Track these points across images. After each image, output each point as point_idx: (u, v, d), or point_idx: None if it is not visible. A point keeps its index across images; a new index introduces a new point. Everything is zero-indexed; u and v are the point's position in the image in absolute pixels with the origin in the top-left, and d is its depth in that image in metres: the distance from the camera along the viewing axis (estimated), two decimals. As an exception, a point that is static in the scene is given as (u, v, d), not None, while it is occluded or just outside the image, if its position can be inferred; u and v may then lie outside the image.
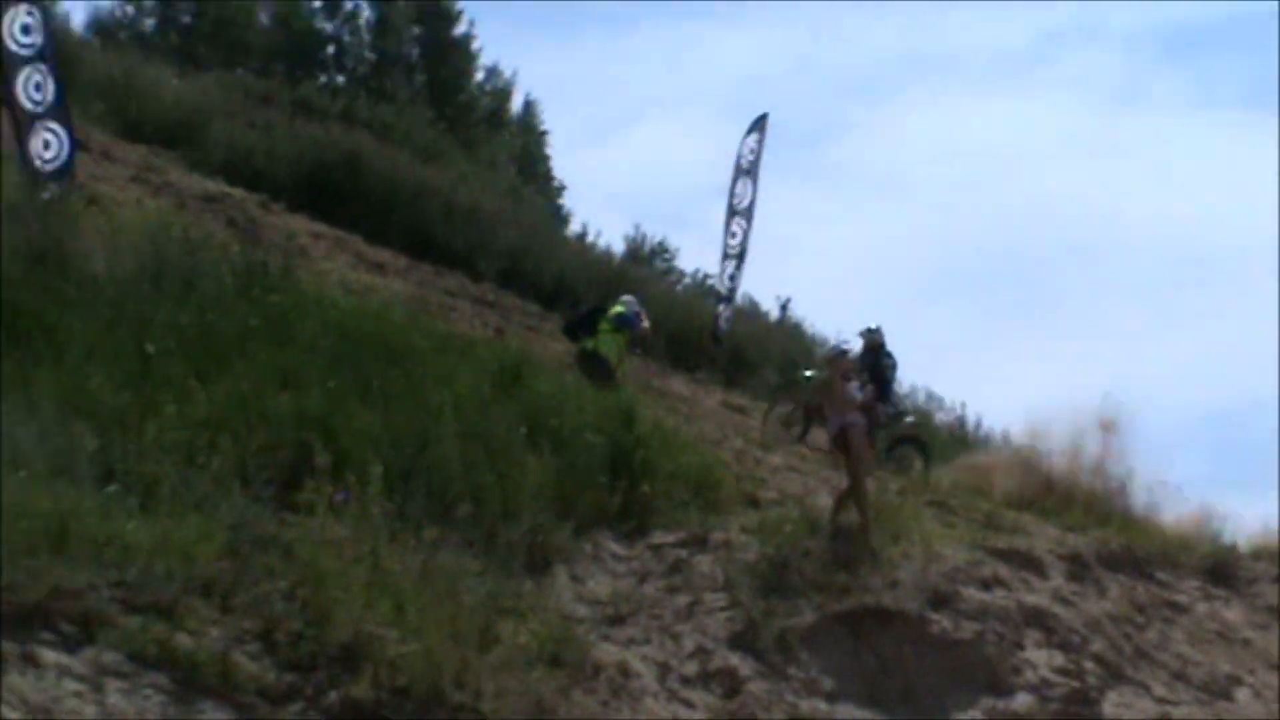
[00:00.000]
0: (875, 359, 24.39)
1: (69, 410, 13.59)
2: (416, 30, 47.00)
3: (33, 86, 19.11)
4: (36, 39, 19.16)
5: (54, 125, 19.31)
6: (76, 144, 20.13)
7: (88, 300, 16.00)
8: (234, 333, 16.21)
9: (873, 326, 24.84)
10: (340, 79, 45.86)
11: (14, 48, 18.96)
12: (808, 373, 24.74)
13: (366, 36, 46.79)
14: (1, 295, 15.29)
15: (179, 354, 15.35)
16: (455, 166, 36.93)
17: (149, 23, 45.39)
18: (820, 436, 21.66)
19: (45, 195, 18.52)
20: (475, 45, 47.99)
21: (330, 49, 46.77)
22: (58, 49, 20.25)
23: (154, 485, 12.91)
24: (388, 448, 14.87)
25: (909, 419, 25.18)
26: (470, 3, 72.29)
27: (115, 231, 18.86)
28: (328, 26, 46.81)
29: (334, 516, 13.16)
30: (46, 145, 19.17)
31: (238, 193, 27.11)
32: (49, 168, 19.13)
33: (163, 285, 17.03)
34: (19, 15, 18.97)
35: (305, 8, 46.57)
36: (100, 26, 43.21)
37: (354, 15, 46.86)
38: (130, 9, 45.29)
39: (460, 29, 47.61)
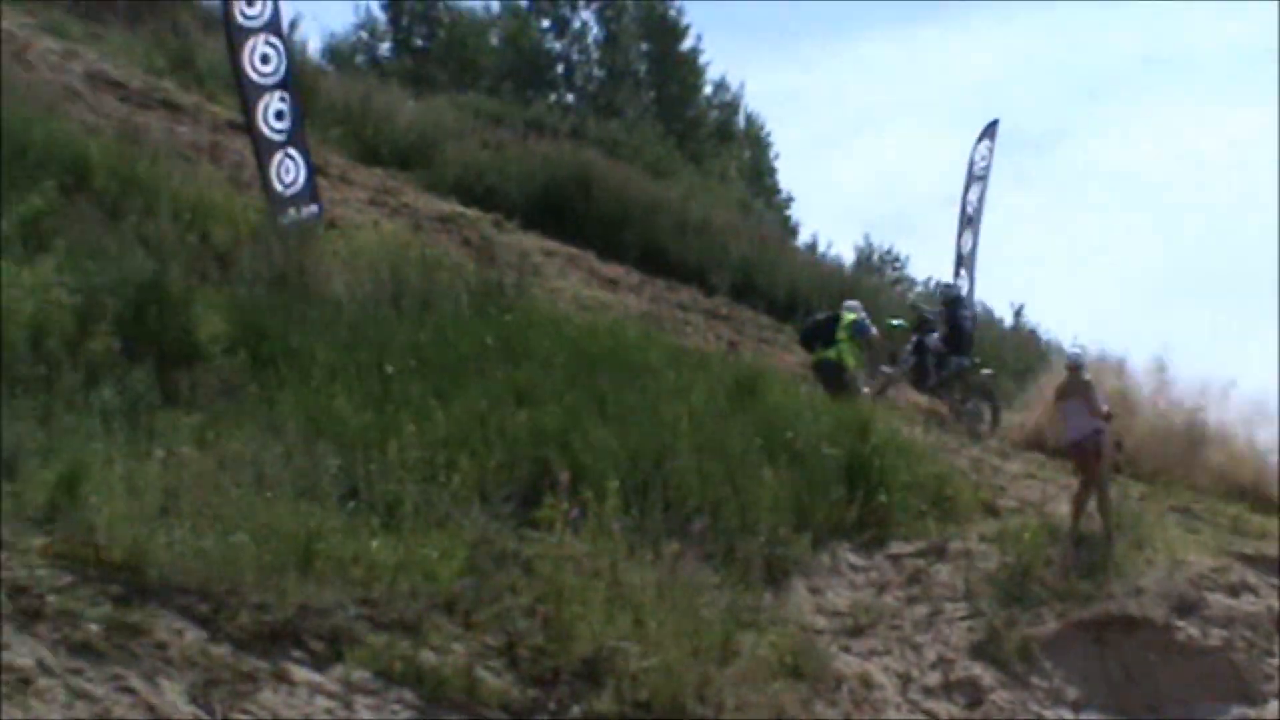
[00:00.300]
0: (954, 312, 24.82)
1: (312, 431, 13.87)
2: (644, 46, 47.19)
3: (273, 114, 19.54)
4: (276, 68, 19.59)
5: (293, 151, 19.72)
6: (314, 169, 20.53)
7: (329, 322, 16.34)
8: (471, 351, 16.42)
9: (950, 283, 26.19)
10: (569, 97, 46.25)
11: (255, 77, 19.41)
12: (894, 321, 24.85)
13: (595, 54, 47.12)
14: (247, 319, 15.69)
15: (418, 374, 15.59)
16: (685, 181, 37.01)
17: (383, 47, 46.21)
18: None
19: (286, 221, 18.91)
20: (703, 59, 48.12)
21: (559, 68, 47.18)
22: (296, 77, 20.67)
23: (396, 504, 13.11)
24: (624, 463, 14.92)
25: (986, 371, 24.96)
26: (696, 12, 72.55)
27: (354, 254, 19.25)
28: (556, 45, 47.23)
29: (573, 532, 13.24)
30: (287, 172, 19.57)
31: (472, 213, 27.43)
32: (289, 193, 19.54)
33: (401, 306, 17.32)
34: (259, 45, 19.41)
35: (534, 27, 47.04)
36: (335, 53, 44.10)
37: (582, 33, 47.23)
38: (365, 34, 46.17)
39: (688, 43, 47.74)
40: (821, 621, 15.25)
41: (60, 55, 26.13)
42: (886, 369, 24.35)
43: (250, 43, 19.36)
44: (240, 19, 19.29)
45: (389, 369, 15.54)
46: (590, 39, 47.12)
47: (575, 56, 47.14)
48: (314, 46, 41.53)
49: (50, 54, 25.93)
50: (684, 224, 30.60)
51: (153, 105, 25.52)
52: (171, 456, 12.21)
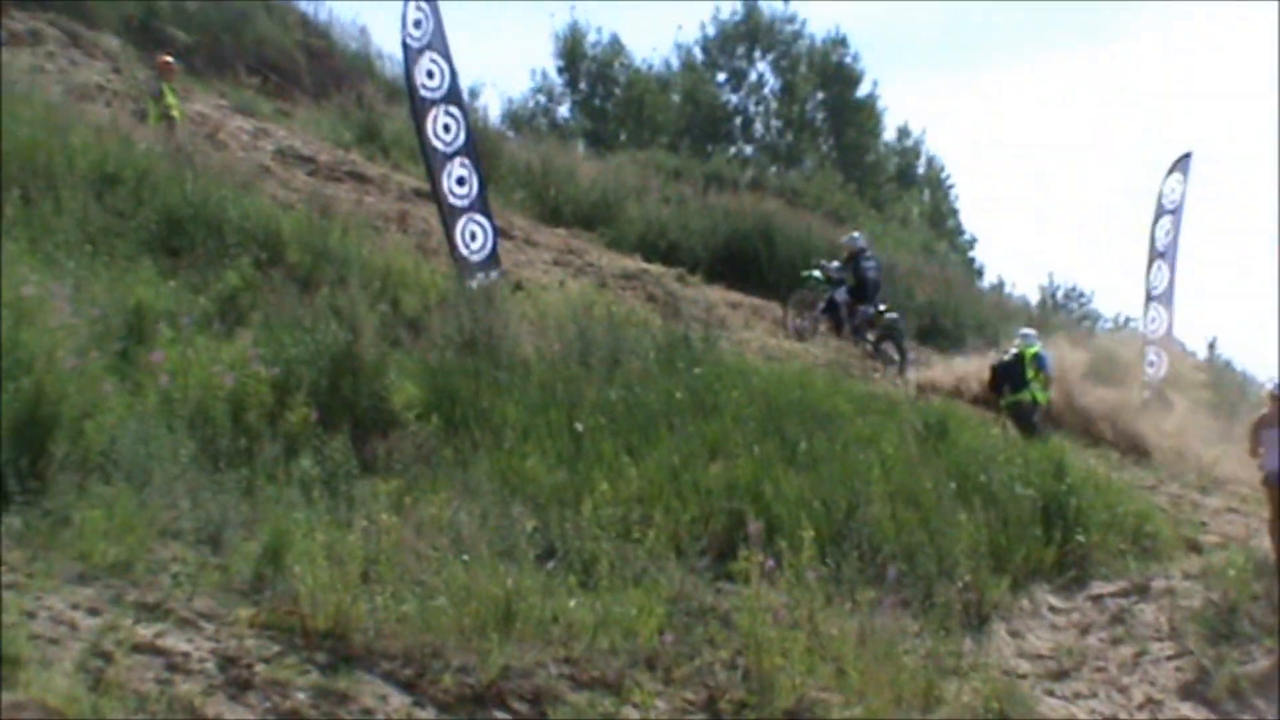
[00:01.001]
0: (857, 263, 26.67)
1: (507, 492, 14.04)
2: (821, 95, 47.21)
3: (456, 181, 19.85)
4: (457, 135, 19.93)
5: (478, 217, 20.02)
6: (498, 232, 20.82)
7: (519, 383, 16.51)
8: (661, 407, 16.49)
9: (855, 234, 28.11)
10: (748, 149, 46.39)
11: (438, 146, 19.76)
12: (814, 274, 27.01)
13: (772, 105, 47.25)
14: (439, 384, 15.92)
15: (609, 431, 15.70)
16: (867, 227, 36.94)
17: (562, 110, 46.74)
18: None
19: (473, 285, 19.17)
20: (880, 105, 48.06)
21: (737, 120, 47.35)
22: (477, 143, 21.00)
23: (592, 562, 13.19)
24: (818, 512, 14.91)
25: (891, 315, 26.74)
26: (864, 35, 72.38)
27: (541, 314, 19.45)
28: (733, 98, 47.42)
29: (769, 583, 13.22)
30: (473, 236, 19.87)
31: (655, 268, 27.60)
32: (476, 258, 19.82)
33: (589, 364, 17.45)
34: (440, 115, 19.77)
35: (710, 82, 47.28)
36: (515, 118, 44.68)
37: (759, 85, 47.37)
38: (543, 98, 46.73)
39: (864, 89, 47.71)
40: (1024, 666, 15.06)
41: (251, 134, 26.80)
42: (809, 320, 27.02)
43: (432, 113, 19.74)
44: (422, 91, 19.68)
45: (580, 427, 15.67)
46: (767, 90, 47.28)
47: (753, 108, 47.31)
48: (495, 113, 42.19)
49: (242, 133, 26.62)
50: (868, 270, 30.50)
51: (341, 177, 26.05)
52: (371, 523, 12.40)
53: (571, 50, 46.92)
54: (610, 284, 25.32)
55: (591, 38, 47.45)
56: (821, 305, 26.65)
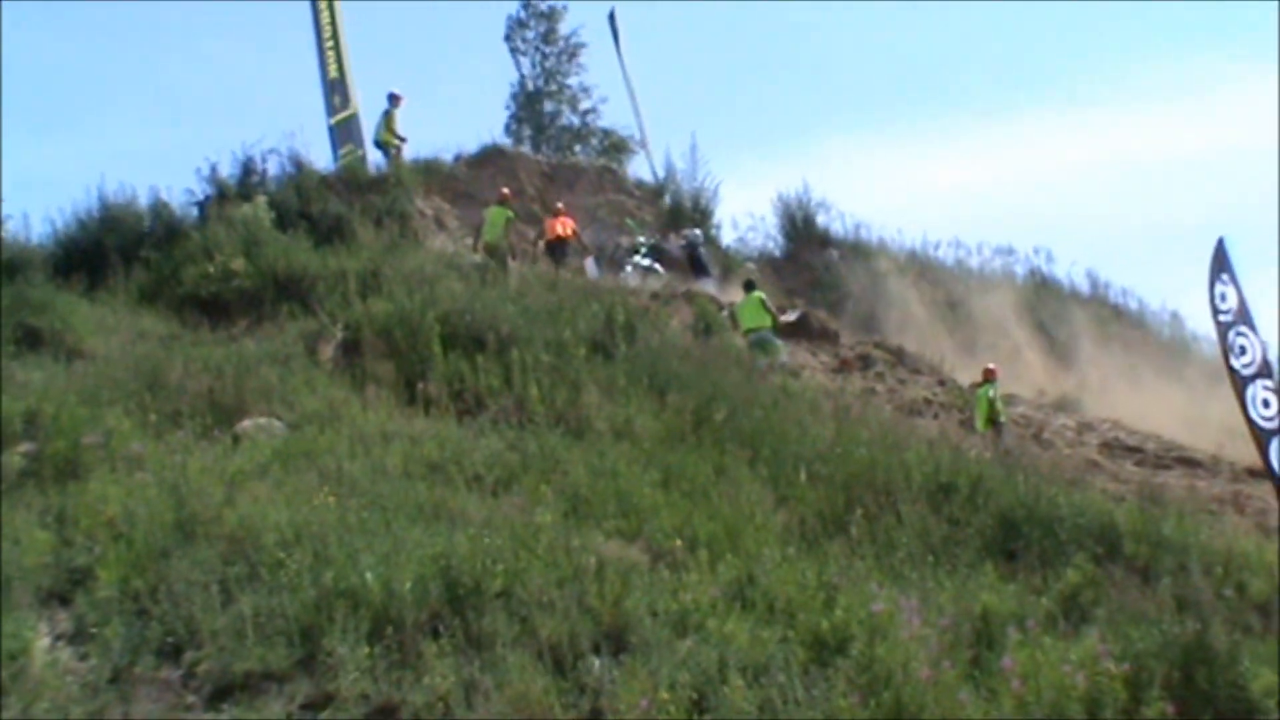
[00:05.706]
0: (693, 250, 36.70)
1: None
2: None
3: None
4: (1278, 412, 19.52)
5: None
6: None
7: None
8: None
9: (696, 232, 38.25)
10: None
11: (1262, 423, 19.46)
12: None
13: None
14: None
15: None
16: None
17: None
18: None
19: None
20: None
21: None
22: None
23: None
24: None
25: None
26: None
27: None
28: None
29: None
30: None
31: None
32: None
33: None
34: (1258, 391, 19.54)
35: None
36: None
37: None
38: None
39: None
40: None
41: (1075, 430, 27.15)
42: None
43: (1250, 390, 19.49)
44: (1239, 368, 19.50)
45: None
46: None
47: None
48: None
49: (1065, 430, 27.01)
50: None
51: (1169, 464, 25.91)
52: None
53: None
54: None
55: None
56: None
